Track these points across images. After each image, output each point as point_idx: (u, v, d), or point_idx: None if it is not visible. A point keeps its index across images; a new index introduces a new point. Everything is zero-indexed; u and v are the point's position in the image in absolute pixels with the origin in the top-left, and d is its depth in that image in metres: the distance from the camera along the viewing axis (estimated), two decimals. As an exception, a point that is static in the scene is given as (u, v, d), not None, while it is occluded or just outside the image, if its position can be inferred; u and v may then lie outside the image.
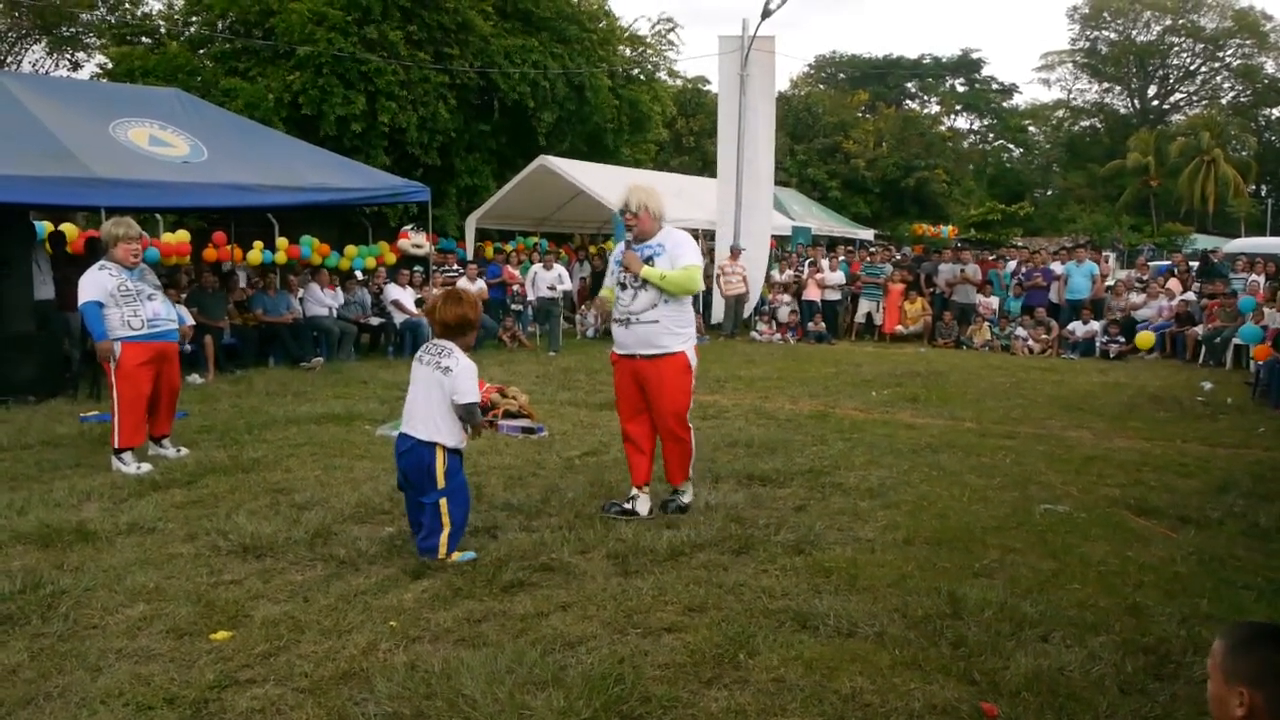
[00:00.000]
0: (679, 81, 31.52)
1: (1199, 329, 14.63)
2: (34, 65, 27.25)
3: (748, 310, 17.79)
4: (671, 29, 25.22)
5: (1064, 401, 10.02)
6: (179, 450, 6.92)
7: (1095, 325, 15.61)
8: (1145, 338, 15.02)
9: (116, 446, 6.45)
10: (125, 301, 6.49)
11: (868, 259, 19.33)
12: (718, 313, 17.84)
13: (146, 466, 6.43)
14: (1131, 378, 12.32)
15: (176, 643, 3.65)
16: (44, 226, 11.82)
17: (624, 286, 5.36)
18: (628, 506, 5.45)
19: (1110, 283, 17.48)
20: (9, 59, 26.26)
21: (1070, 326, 15.84)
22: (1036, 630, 3.79)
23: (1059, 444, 7.67)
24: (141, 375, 6.53)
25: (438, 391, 4.57)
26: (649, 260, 5.27)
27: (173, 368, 6.86)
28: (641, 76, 23.89)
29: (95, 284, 6.44)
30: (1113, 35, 53.79)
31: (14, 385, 9.19)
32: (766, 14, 17.66)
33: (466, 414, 4.61)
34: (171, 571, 4.41)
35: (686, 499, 5.49)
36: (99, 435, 7.56)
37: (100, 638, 3.69)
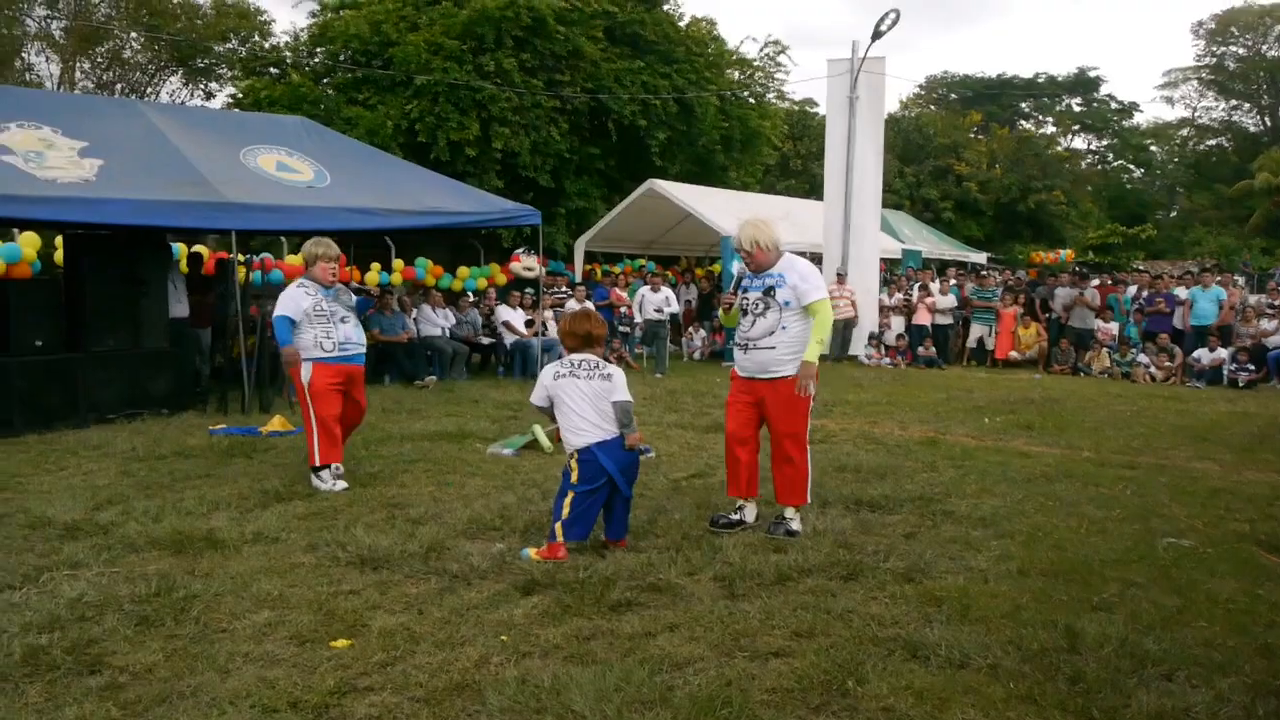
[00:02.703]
0: (786, 104, 31.44)
1: (1337, 358, 13.90)
2: (171, 95, 28.77)
3: (861, 336, 17.56)
4: (780, 51, 25.14)
5: (1189, 431, 9.63)
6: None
7: (1223, 353, 14.96)
8: None
9: (315, 464, 6.59)
10: (319, 321, 6.65)
11: (977, 283, 18.93)
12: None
13: (342, 484, 6.56)
14: (1262, 407, 11.76)
15: (299, 649, 3.79)
16: (179, 248, 12.43)
17: (745, 312, 5.49)
18: (735, 518, 5.54)
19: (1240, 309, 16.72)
20: (149, 90, 27.75)
21: (1195, 354, 15.21)
22: (1159, 668, 3.65)
23: (1183, 476, 7.38)
24: (332, 394, 6.65)
25: (607, 399, 5.06)
26: (769, 291, 5.40)
27: (359, 390, 6.94)
28: (750, 99, 23.90)
29: (291, 300, 6.66)
30: (1241, 51, 51.61)
31: (149, 399, 9.69)
32: (877, 35, 17.52)
33: (626, 412, 5.07)
34: (294, 580, 4.59)
35: (795, 525, 5.46)
36: (226, 448, 7.92)
37: (229, 641, 3.86)
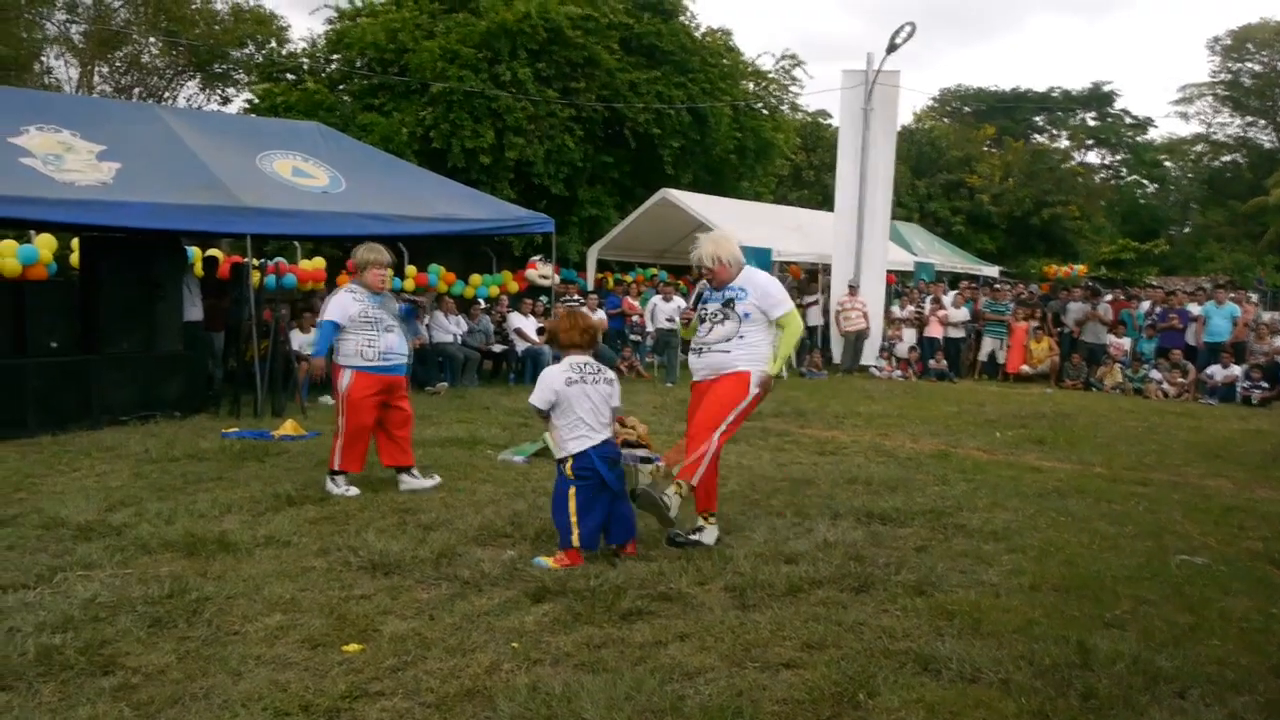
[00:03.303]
0: (800, 116, 31.45)
1: (1351, 376, 13.82)
2: (188, 100, 28.92)
3: (871, 349, 17.56)
4: (795, 65, 25.15)
5: (1202, 448, 9.59)
6: (432, 477, 6.94)
7: (1236, 370, 14.90)
8: None
9: (334, 468, 6.58)
10: (364, 329, 6.57)
11: (989, 296, 18.91)
12: (837, 350, 17.70)
13: (354, 490, 6.56)
14: (1276, 425, 11.72)
15: (311, 652, 3.81)
16: (193, 251, 12.48)
17: (703, 320, 5.52)
18: (694, 537, 5.39)
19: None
20: (166, 94, 27.91)
21: (1209, 370, 15.15)
22: (1172, 686, 3.63)
23: (1196, 493, 7.35)
24: (368, 406, 6.59)
25: (609, 402, 5.19)
26: (729, 303, 5.41)
27: (402, 398, 6.87)
28: (764, 110, 23.91)
29: (339, 306, 6.61)
30: (1257, 67, 51.47)
31: (162, 401, 9.73)
32: (892, 48, 17.55)
33: (616, 415, 5.28)
34: (306, 584, 4.60)
35: (670, 500, 5.20)
36: (239, 451, 7.95)
37: (241, 644, 3.87)
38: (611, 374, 5.29)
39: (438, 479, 6.95)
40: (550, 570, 4.83)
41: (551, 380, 5.16)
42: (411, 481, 6.83)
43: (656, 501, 5.17)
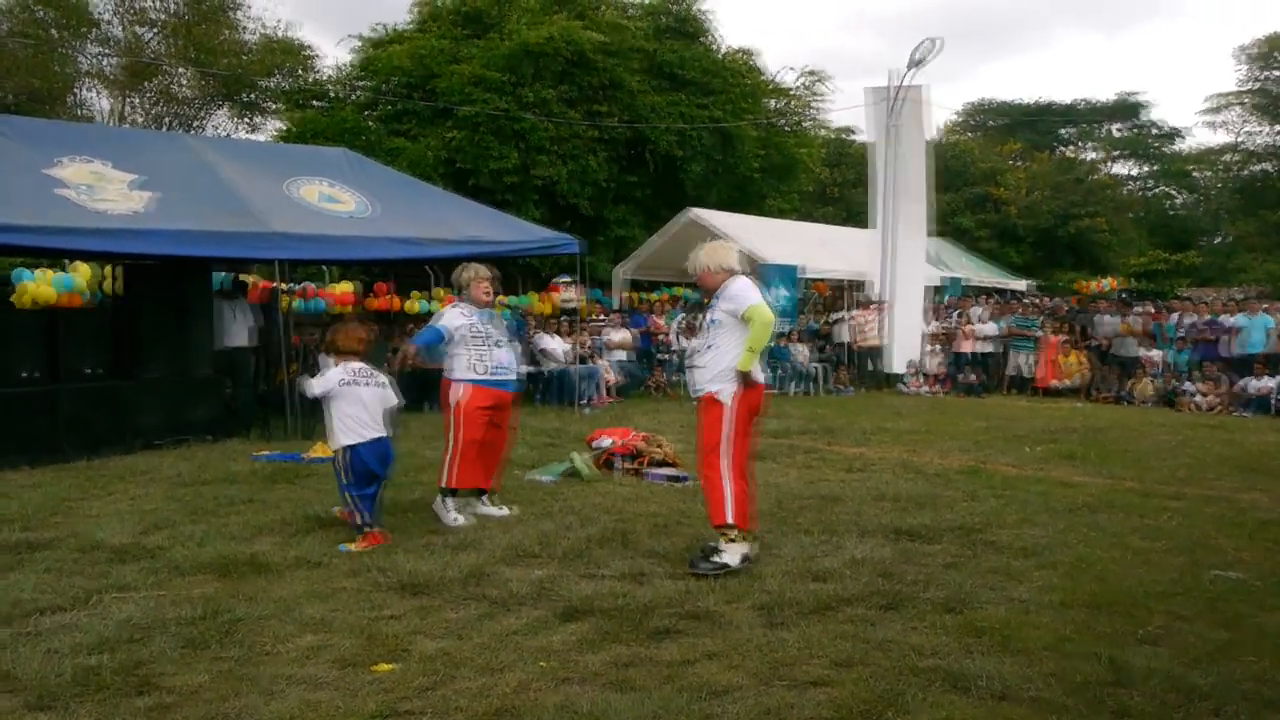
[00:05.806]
0: (824, 132, 31.47)
1: (1389, 387, 13.60)
2: (217, 129, 29.26)
3: (902, 358, 17.50)
4: (817, 80, 25.19)
5: (1237, 462, 9.47)
6: (502, 509, 6.73)
7: (1271, 381, 14.71)
8: None
9: (446, 485, 6.44)
10: (475, 344, 6.48)
11: (1019, 310, 18.79)
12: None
13: (462, 520, 6.37)
14: (1312, 438, 11.54)
15: (342, 672, 3.84)
16: (225, 277, 12.62)
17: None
18: (713, 544, 5.37)
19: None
20: (195, 123, 28.30)
21: (1243, 382, 14.97)
22: (1207, 703, 3.59)
23: (1231, 507, 7.26)
24: (480, 419, 6.41)
25: (384, 403, 5.95)
26: (708, 313, 5.55)
27: (506, 418, 6.70)
28: (788, 128, 23.96)
29: (445, 318, 6.59)
30: (1287, 76, 50.88)
31: (194, 425, 9.84)
32: (913, 64, 17.55)
33: (395, 414, 6.08)
34: (337, 605, 4.64)
35: (721, 556, 5.19)
36: (270, 474, 8.03)
37: (273, 664, 3.91)
38: (384, 378, 6.01)
39: (509, 510, 6.76)
40: (355, 553, 5.51)
41: (331, 378, 5.86)
42: (486, 510, 6.69)
43: (720, 566, 5.14)
